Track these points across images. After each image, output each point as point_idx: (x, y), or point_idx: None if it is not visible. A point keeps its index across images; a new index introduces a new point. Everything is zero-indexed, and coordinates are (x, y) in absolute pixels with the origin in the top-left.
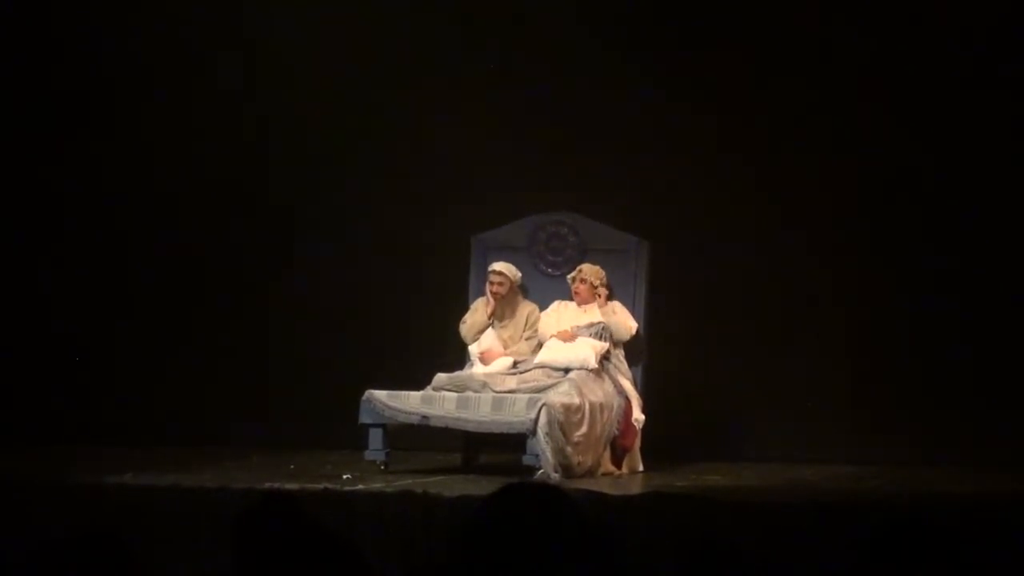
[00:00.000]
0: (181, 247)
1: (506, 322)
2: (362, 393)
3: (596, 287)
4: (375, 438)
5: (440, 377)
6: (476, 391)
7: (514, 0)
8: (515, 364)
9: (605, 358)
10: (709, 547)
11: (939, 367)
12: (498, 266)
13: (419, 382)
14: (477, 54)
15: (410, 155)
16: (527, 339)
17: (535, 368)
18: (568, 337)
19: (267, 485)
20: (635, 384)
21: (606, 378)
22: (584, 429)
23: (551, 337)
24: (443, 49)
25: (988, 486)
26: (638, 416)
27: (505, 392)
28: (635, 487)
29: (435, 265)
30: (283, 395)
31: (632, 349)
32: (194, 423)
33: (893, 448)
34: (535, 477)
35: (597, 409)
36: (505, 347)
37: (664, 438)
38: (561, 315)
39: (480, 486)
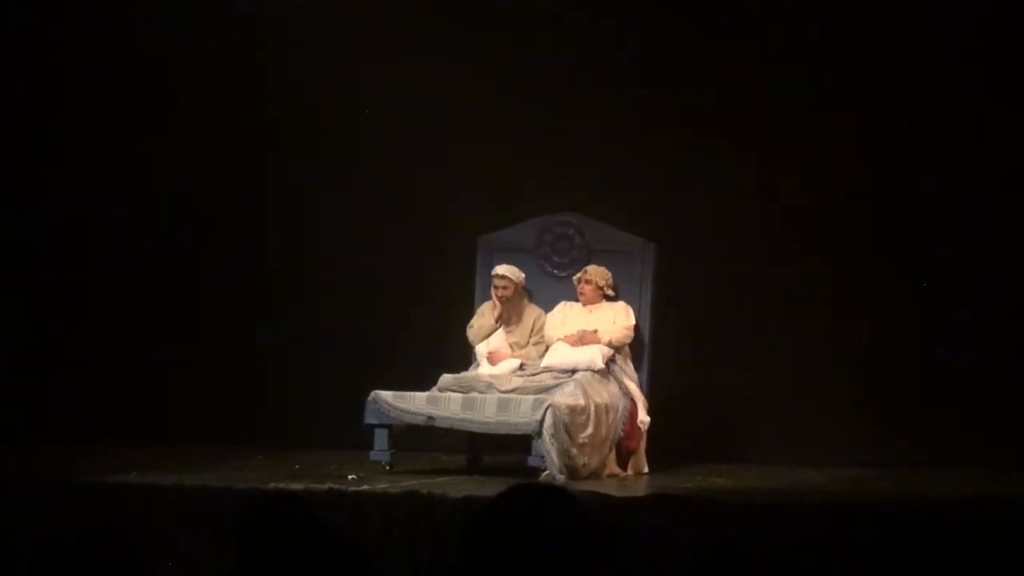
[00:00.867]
0: (186, 246)
1: (512, 327)
2: (368, 393)
3: (602, 287)
4: (380, 439)
5: (446, 378)
6: (482, 392)
7: (522, 0)
8: (522, 367)
9: (611, 360)
10: (714, 548)
11: (944, 369)
12: (501, 269)
13: (425, 383)
14: (482, 54)
15: (416, 156)
16: (534, 344)
17: (542, 371)
18: (575, 341)
19: (272, 485)
20: (640, 386)
21: (611, 380)
22: (589, 430)
23: (557, 341)
24: (448, 49)
25: (993, 488)
26: (643, 418)
27: (510, 391)
28: (640, 489)
29: (441, 266)
30: (288, 395)
31: (636, 349)
32: (199, 422)
33: (898, 450)
34: (540, 478)
35: (602, 410)
36: (512, 352)
37: (669, 440)
38: (567, 316)
39: (485, 487)
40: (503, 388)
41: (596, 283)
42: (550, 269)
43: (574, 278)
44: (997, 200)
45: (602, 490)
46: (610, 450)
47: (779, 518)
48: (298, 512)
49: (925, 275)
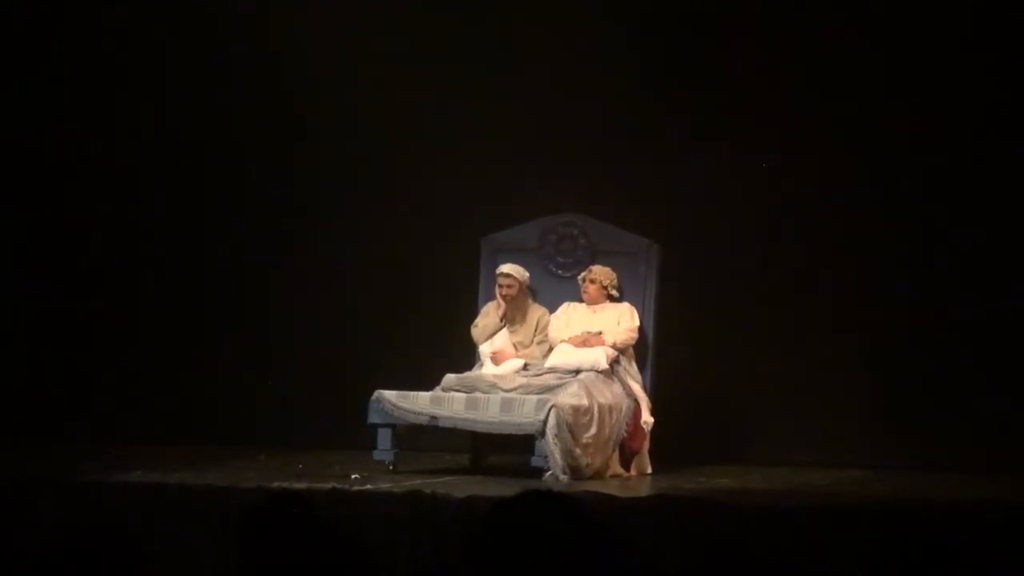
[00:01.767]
0: (190, 245)
1: (516, 327)
2: (371, 393)
3: (606, 287)
4: (384, 438)
5: (449, 378)
6: (485, 392)
7: (525, 1)
8: (525, 367)
9: (615, 361)
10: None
11: (948, 371)
12: (506, 268)
13: (428, 383)
14: (486, 55)
15: (420, 156)
16: (538, 343)
17: (546, 372)
18: (579, 343)
19: (275, 484)
20: (644, 386)
21: (615, 380)
22: (593, 431)
23: (561, 342)
24: (452, 49)
25: (996, 491)
26: (647, 418)
27: (513, 389)
28: (643, 489)
29: (445, 266)
30: (292, 394)
31: (639, 349)
32: (202, 422)
33: (901, 451)
34: (543, 478)
35: (606, 411)
36: (516, 351)
37: (673, 440)
38: (570, 317)
39: (488, 487)
40: (506, 388)
41: (601, 283)
42: (554, 269)
43: (578, 278)
44: (997, 200)
45: (605, 491)
46: (613, 451)
47: (782, 519)
48: (301, 512)
49: (933, 279)
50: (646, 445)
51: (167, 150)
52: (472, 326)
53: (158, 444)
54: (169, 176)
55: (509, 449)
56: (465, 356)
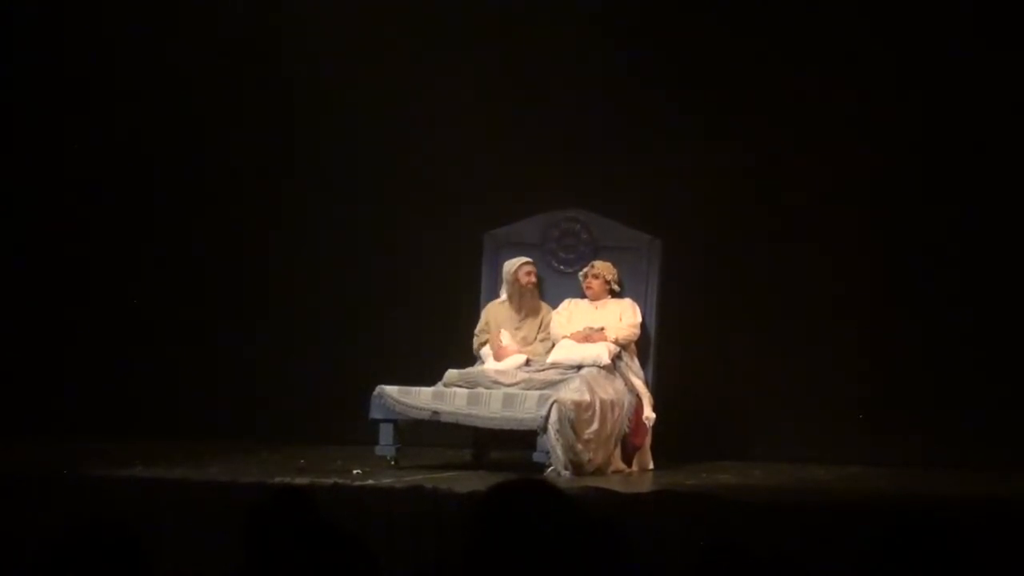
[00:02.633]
0: (191, 240)
1: (522, 323)
2: (373, 388)
3: (609, 282)
4: (386, 434)
5: (451, 373)
6: (487, 387)
7: None
8: (528, 363)
9: (617, 356)
10: (718, 545)
11: (950, 367)
12: (526, 258)
13: (430, 378)
14: (488, 50)
15: (423, 151)
16: (541, 341)
17: (548, 368)
18: (581, 338)
19: (277, 480)
20: (646, 382)
21: (617, 376)
22: (595, 427)
23: (563, 338)
24: (454, 44)
25: (998, 487)
26: (649, 414)
27: (515, 384)
28: (645, 485)
29: (447, 261)
30: (294, 390)
31: (641, 345)
32: (204, 417)
33: (903, 448)
34: (545, 474)
35: (608, 407)
36: (520, 347)
37: (674, 436)
38: (572, 313)
39: (490, 483)
40: (508, 383)
41: (604, 277)
42: (556, 265)
43: (579, 274)
44: (998, 199)
45: (607, 486)
46: (615, 446)
47: (783, 515)
48: (304, 507)
49: (934, 276)
50: (648, 441)
51: (167, 147)
52: (475, 333)
53: (160, 439)
54: (169, 172)
55: (511, 445)
56: (467, 351)
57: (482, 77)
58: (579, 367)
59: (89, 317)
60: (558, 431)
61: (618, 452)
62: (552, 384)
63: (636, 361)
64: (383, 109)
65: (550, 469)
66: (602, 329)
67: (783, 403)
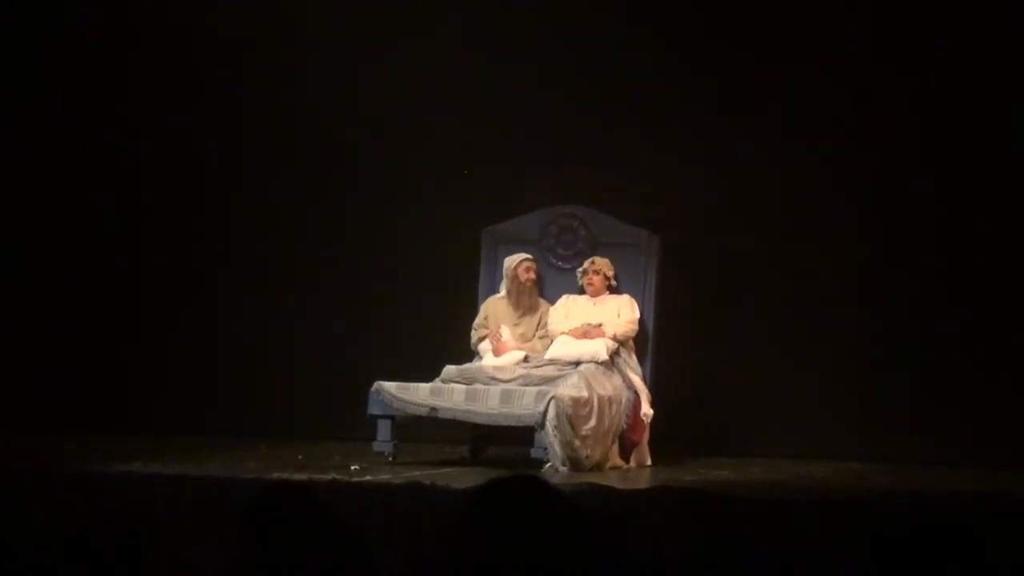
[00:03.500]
0: (191, 236)
1: (521, 319)
2: (371, 384)
3: (609, 278)
4: (383, 429)
5: (449, 369)
6: (485, 383)
7: None
8: (526, 359)
9: (615, 352)
10: (717, 541)
11: (948, 364)
12: (527, 254)
13: (428, 374)
14: (487, 45)
15: (421, 147)
16: (540, 338)
17: (546, 364)
18: (579, 334)
19: (275, 475)
20: (644, 378)
21: (615, 372)
22: (592, 423)
23: (561, 335)
24: (452, 41)
25: (996, 484)
26: (647, 410)
27: (513, 380)
28: (643, 481)
29: (445, 257)
30: (292, 385)
31: (639, 341)
32: (202, 412)
33: (901, 445)
34: (543, 470)
35: (606, 403)
36: (518, 344)
37: (672, 433)
38: (570, 309)
39: (488, 478)
40: (506, 379)
41: (604, 273)
42: (554, 261)
43: (579, 270)
44: (998, 198)
45: (605, 482)
46: (613, 442)
47: (782, 512)
48: (302, 503)
49: (934, 273)
50: (646, 437)
51: (167, 142)
52: (474, 328)
53: (157, 435)
54: (168, 168)
55: (509, 441)
56: (465, 348)
57: (481, 73)
58: (577, 363)
59: (87, 311)
60: (556, 427)
61: (616, 448)
62: (550, 380)
63: (634, 357)
64: (382, 105)
65: (548, 465)
66: (600, 325)
67: (781, 399)
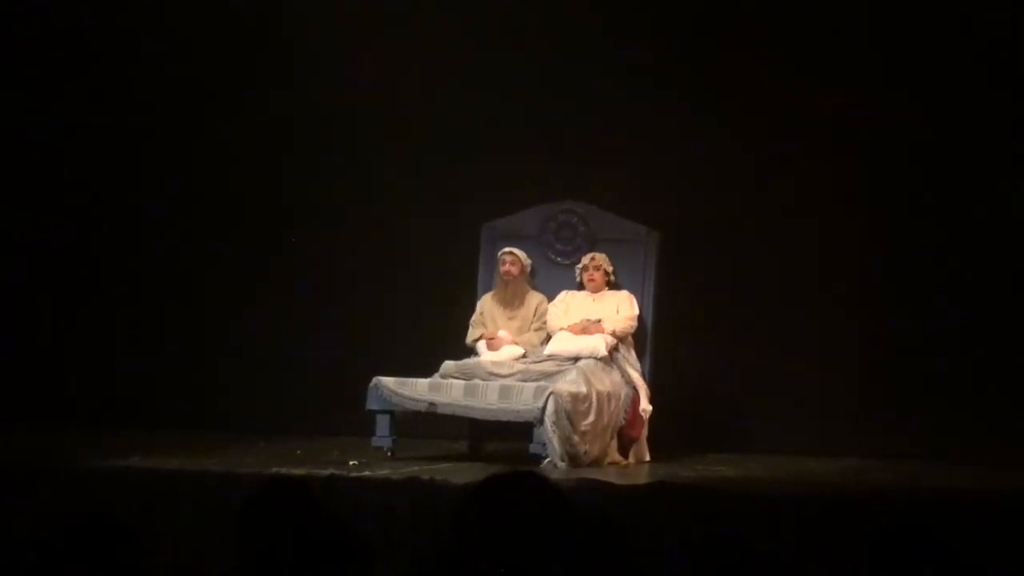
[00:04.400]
0: (189, 230)
1: (514, 313)
2: (370, 380)
3: (609, 274)
4: (382, 425)
5: (448, 365)
6: (483, 379)
7: None
8: (524, 355)
9: (614, 348)
10: (715, 538)
11: (947, 361)
12: (509, 247)
13: (427, 369)
14: (486, 42)
15: (420, 143)
16: (535, 330)
17: (545, 359)
18: (579, 330)
19: (273, 470)
20: (643, 374)
21: (614, 368)
22: (591, 418)
23: (560, 330)
24: (451, 37)
25: (994, 482)
26: (645, 406)
27: (512, 375)
28: (641, 477)
29: (444, 253)
30: (290, 381)
31: (638, 337)
32: (200, 408)
33: (900, 442)
34: (541, 466)
35: (604, 399)
36: (513, 337)
37: (671, 428)
38: (569, 305)
39: (486, 474)
40: (505, 375)
41: (604, 269)
42: (553, 257)
43: (579, 266)
44: (998, 198)
45: (603, 478)
46: (612, 438)
47: (780, 508)
48: (300, 498)
49: (933, 270)
50: (644, 433)
51: (168, 141)
52: (471, 322)
53: (156, 430)
54: (169, 166)
55: (507, 436)
56: (464, 343)
57: (481, 70)
58: (576, 359)
59: (87, 307)
60: (554, 423)
61: (614, 444)
62: (549, 376)
63: (633, 353)
64: (381, 103)
65: (546, 461)
66: (599, 321)
67: (780, 395)
